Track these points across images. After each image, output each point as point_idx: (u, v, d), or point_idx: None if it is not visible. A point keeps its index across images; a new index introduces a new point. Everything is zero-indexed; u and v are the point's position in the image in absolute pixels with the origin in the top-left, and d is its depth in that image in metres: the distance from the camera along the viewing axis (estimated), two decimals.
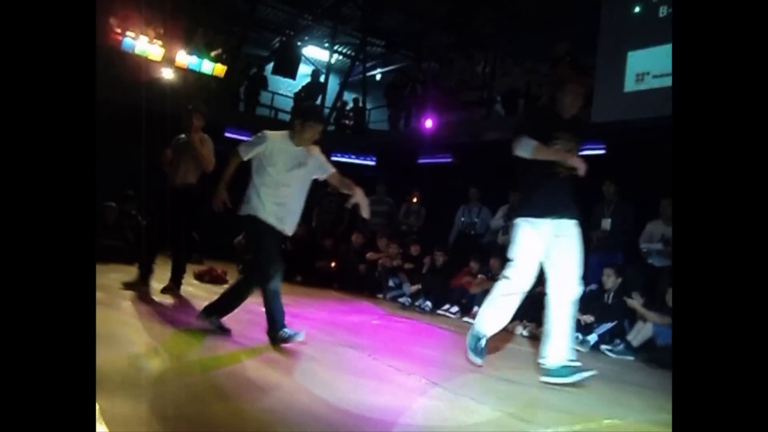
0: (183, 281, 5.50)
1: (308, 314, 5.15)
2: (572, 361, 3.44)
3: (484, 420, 2.57)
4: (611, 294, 5.59)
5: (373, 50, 13.56)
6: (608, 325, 5.39)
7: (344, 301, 7.04)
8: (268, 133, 3.77)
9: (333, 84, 13.58)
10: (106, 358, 2.67)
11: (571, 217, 3.50)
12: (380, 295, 7.73)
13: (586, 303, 4.99)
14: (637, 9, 7.42)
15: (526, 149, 3.37)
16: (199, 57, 10.73)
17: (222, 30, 11.79)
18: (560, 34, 8.98)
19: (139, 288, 5.13)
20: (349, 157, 11.64)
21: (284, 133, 3.82)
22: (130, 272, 5.43)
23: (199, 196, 5.25)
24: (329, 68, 13.53)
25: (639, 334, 5.18)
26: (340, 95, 13.25)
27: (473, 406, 2.78)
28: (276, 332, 3.64)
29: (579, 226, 3.53)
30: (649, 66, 7.12)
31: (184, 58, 10.48)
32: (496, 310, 3.59)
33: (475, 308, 6.41)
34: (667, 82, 6.72)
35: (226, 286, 6.77)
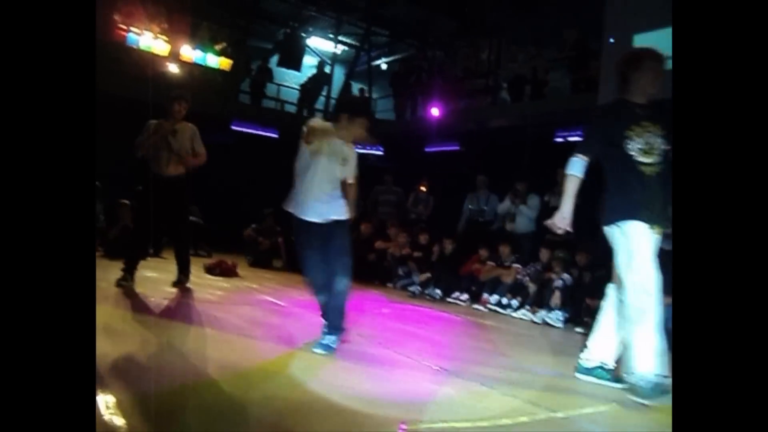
0: (191, 274, 5.37)
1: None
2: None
3: (496, 405, 2.58)
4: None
5: (377, 39, 13.51)
6: None
7: (354, 290, 7.01)
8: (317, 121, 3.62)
9: (339, 74, 13.56)
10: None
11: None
12: (390, 284, 7.76)
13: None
14: None
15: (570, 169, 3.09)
16: (203, 51, 10.75)
17: (226, 23, 11.79)
18: (564, 19, 8.91)
19: (127, 283, 4.90)
20: (357, 147, 11.58)
21: (330, 124, 3.63)
22: (144, 268, 5.38)
23: (188, 186, 5.18)
24: (334, 59, 13.52)
25: None
26: (346, 85, 13.22)
27: (485, 390, 2.80)
28: (323, 333, 3.41)
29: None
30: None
31: (189, 52, 10.49)
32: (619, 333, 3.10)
33: (485, 295, 6.44)
34: None
35: (236, 278, 6.83)
